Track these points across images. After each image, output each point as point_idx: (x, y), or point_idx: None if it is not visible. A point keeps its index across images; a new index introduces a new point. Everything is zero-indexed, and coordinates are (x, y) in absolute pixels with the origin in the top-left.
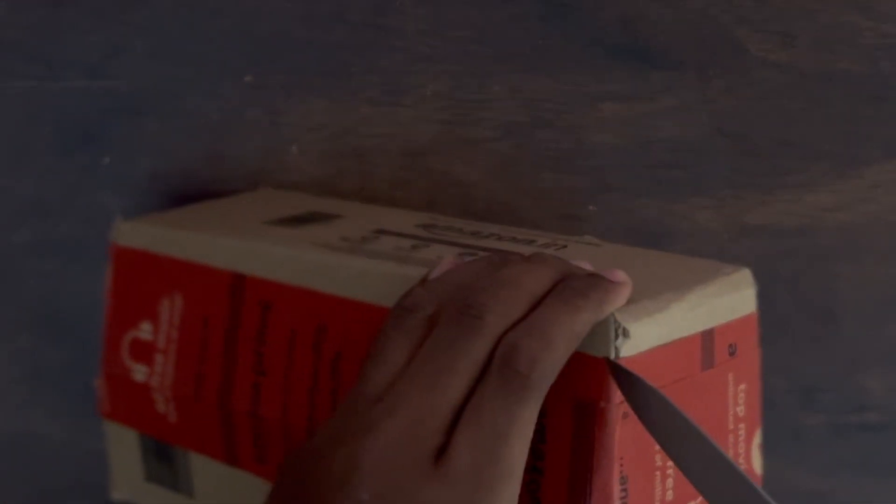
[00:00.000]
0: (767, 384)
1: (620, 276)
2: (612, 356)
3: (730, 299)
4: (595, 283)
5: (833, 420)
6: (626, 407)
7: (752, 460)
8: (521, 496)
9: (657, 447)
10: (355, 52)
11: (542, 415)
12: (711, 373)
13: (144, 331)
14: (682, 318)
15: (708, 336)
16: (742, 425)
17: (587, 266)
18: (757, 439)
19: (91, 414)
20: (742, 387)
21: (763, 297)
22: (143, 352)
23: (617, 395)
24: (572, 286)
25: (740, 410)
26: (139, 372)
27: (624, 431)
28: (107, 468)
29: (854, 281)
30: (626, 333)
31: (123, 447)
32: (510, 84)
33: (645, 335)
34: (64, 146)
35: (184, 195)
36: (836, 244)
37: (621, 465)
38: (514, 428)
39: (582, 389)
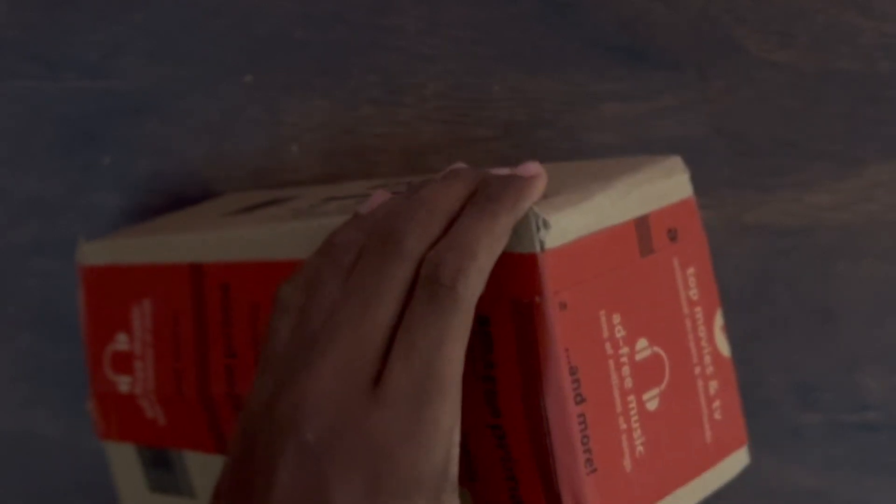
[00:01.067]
0: (766, 383)
1: (532, 168)
2: (538, 249)
3: (662, 185)
4: (507, 184)
5: (832, 419)
6: (562, 297)
7: (717, 343)
8: (480, 406)
9: (605, 335)
10: (355, 52)
11: (486, 323)
12: (653, 258)
13: (121, 342)
14: (610, 205)
15: (643, 222)
16: (698, 309)
17: (503, 171)
18: (718, 321)
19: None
20: (690, 270)
21: (762, 297)
22: (124, 362)
23: (550, 288)
24: (486, 193)
25: (693, 294)
26: (123, 383)
27: (564, 322)
28: (107, 468)
29: (853, 280)
30: (546, 224)
31: (125, 464)
32: (510, 84)
33: (570, 225)
34: (64, 146)
35: (184, 195)
36: (836, 243)
37: (568, 356)
38: (446, 340)
39: (516, 289)
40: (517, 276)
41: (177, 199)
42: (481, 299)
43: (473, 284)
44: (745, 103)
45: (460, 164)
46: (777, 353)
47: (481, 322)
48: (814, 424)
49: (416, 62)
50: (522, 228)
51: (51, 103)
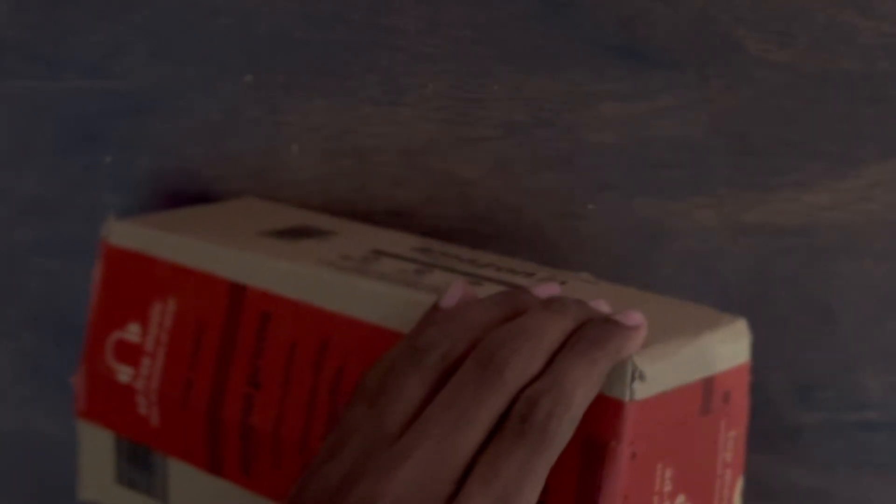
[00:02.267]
0: (766, 382)
1: (636, 318)
2: (628, 398)
3: (729, 347)
4: (611, 332)
5: (831, 418)
6: (635, 447)
7: None
8: None
9: (657, 487)
10: (355, 52)
11: None
12: (708, 418)
13: (132, 332)
14: (690, 362)
15: (708, 383)
16: (728, 471)
17: (604, 307)
18: (739, 486)
19: None
20: (732, 433)
21: (762, 296)
22: (129, 353)
23: (628, 437)
24: (589, 337)
25: (728, 457)
26: (123, 373)
27: (631, 471)
28: None
29: (852, 279)
30: (642, 377)
31: (96, 447)
32: (510, 84)
33: (658, 378)
34: (65, 145)
35: (185, 194)
36: (835, 243)
37: None
38: (527, 478)
39: (593, 428)
40: (597, 417)
41: (177, 198)
42: None
43: (565, 430)
44: (745, 103)
45: (554, 287)
46: (776, 353)
47: None
48: (814, 424)
49: (416, 62)
50: (617, 374)
51: (51, 103)
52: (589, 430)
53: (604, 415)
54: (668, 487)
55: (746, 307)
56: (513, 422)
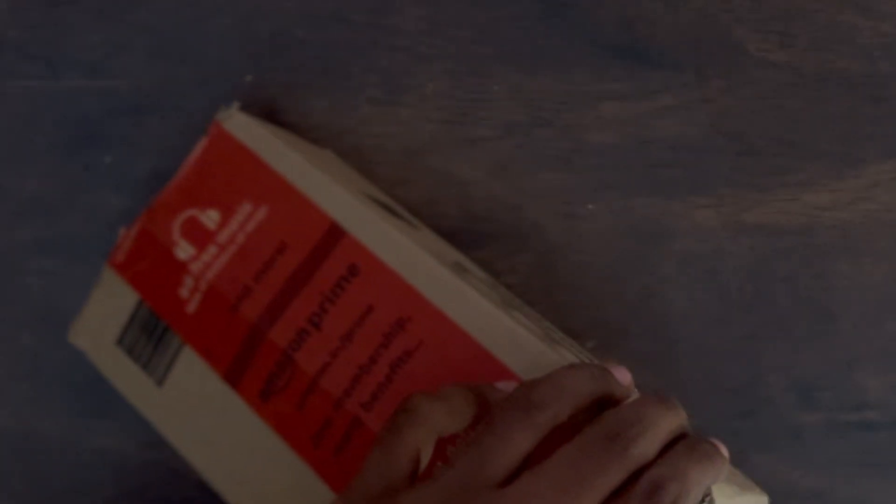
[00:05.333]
0: (767, 383)
1: (725, 451)
2: None
3: None
4: (717, 452)
5: (831, 418)
6: None
7: None
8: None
9: None
10: (355, 52)
11: None
12: None
13: (210, 218)
14: None
15: None
16: None
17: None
18: None
19: (92, 412)
20: None
21: (762, 297)
22: (198, 235)
23: None
24: (704, 448)
25: None
26: (183, 250)
27: None
28: (106, 466)
29: (852, 279)
30: (711, 503)
31: (112, 301)
32: (510, 84)
33: None
34: (65, 145)
35: None
36: (835, 243)
37: None
38: None
39: None
40: None
41: None
42: None
43: None
44: (743, 103)
45: (626, 373)
46: (777, 353)
47: None
48: (813, 424)
49: (416, 62)
50: None
51: (51, 103)
52: None
53: None
54: None
55: (746, 307)
56: (638, 495)
